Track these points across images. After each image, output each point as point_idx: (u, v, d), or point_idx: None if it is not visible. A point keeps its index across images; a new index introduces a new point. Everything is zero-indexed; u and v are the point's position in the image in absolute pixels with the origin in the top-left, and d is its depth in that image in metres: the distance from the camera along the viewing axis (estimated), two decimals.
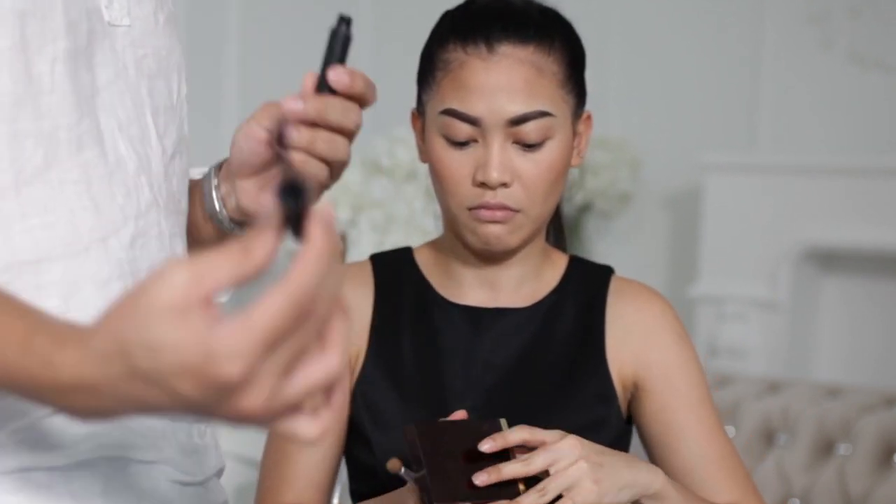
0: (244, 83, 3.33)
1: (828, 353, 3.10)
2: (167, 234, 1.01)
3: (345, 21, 0.93)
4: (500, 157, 1.24)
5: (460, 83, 1.26)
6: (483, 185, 1.25)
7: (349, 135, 0.97)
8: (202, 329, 0.66)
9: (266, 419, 0.69)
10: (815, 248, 2.98)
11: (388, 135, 2.93)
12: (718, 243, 3.07)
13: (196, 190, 1.12)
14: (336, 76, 0.94)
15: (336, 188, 2.78)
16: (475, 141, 1.26)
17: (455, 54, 1.27)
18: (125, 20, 1.00)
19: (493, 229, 1.26)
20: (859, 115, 3.10)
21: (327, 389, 0.71)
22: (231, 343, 0.66)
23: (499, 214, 1.25)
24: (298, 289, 0.66)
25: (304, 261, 0.66)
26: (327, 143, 0.96)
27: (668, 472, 1.30)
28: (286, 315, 0.66)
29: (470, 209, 1.26)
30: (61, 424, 0.90)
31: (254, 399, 0.67)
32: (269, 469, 1.33)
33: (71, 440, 0.91)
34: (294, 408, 0.70)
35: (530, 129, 1.25)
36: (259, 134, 1.01)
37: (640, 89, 3.43)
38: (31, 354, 0.73)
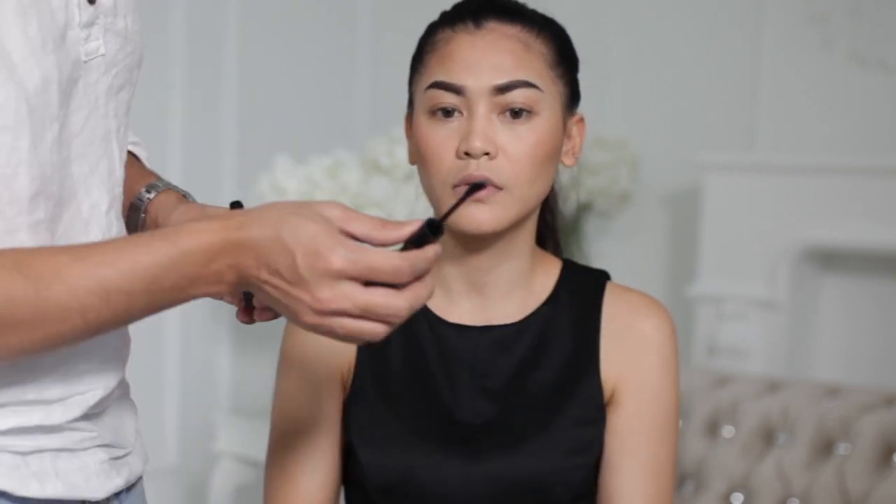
0: (244, 83, 3.33)
1: (828, 352, 3.10)
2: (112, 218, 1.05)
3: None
4: (483, 125, 1.23)
5: (446, 56, 1.26)
6: (467, 154, 1.23)
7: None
8: (336, 234, 0.92)
9: (332, 320, 0.93)
10: (815, 247, 2.97)
11: (387, 135, 2.93)
12: (718, 243, 3.06)
13: (140, 179, 1.17)
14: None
15: (335, 188, 2.78)
16: (460, 114, 1.25)
17: (442, 34, 1.28)
18: (101, 49, 0.98)
19: (478, 213, 1.23)
20: (859, 115, 3.10)
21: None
22: (350, 250, 0.92)
23: (482, 193, 1.22)
24: (411, 264, 0.93)
25: (429, 251, 0.95)
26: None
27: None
28: (393, 268, 0.92)
29: (454, 186, 1.24)
30: None
31: (331, 295, 0.91)
32: (274, 492, 1.32)
33: None
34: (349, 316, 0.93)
35: (515, 96, 1.24)
36: None
37: (640, 89, 3.43)
38: (177, 233, 0.93)
